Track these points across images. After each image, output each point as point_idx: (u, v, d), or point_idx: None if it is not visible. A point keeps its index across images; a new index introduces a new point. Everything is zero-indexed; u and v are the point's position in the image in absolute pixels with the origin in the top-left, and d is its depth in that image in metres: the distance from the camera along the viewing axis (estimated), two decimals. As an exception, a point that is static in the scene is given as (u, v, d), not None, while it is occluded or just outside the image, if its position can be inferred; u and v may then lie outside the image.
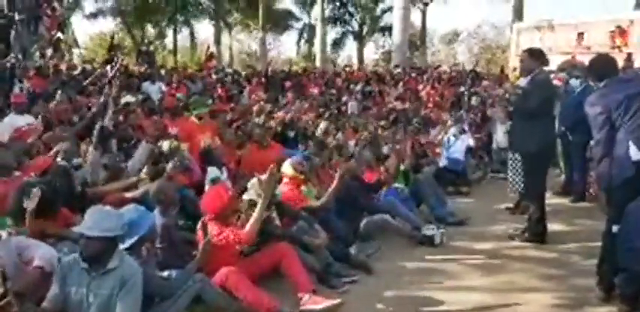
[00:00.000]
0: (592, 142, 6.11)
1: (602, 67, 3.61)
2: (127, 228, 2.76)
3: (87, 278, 2.66)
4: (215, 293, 3.22)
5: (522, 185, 5.37)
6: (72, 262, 2.71)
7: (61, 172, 4.00)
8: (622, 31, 12.74)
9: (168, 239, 3.55)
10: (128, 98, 7.13)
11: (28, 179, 3.77)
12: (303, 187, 4.65)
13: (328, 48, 24.14)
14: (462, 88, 12.74)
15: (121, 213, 2.88)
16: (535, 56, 4.59)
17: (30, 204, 3.21)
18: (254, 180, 4.16)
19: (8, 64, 7.98)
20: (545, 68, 4.77)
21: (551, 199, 5.44)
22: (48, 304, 2.67)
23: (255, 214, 3.59)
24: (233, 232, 3.49)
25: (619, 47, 12.66)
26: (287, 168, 4.62)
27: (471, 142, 7.00)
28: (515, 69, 11.50)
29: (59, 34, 12.32)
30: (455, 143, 6.96)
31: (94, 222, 2.63)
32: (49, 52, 11.50)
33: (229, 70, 13.75)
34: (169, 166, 4.28)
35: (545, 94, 4.55)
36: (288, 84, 11.84)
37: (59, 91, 7.07)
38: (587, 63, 7.21)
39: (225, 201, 3.59)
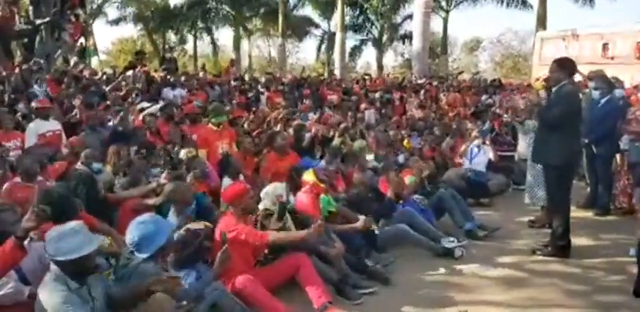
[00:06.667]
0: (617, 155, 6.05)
1: None
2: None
3: None
4: (231, 301, 3.21)
5: (545, 198, 5.29)
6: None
7: (84, 177, 4.01)
8: (648, 42, 12.48)
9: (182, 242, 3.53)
10: (143, 104, 7.19)
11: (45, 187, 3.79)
12: (322, 196, 4.58)
13: (347, 55, 24.09)
14: (484, 97, 12.61)
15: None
16: (564, 67, 4.51)
17: None
18: (267, 188, 4.14)
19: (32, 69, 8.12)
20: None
21: (575, 213, 5.28)
22: None
23: (288, 234, 3.74)
24: (247, 228, 3.55)
25: (644, 58, 12.40)
26: (309, 175, 4.60)
27: (492, 155, 6.88)
28: (537, 79, 11.30)
29: (82, 40, 12.55)
30: (478, 154, 6.85)
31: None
32: (74, 58, 11.68)
33: (247, 78, 13.81)
34: (190, 175, 4.29)
35: (571, 105, 4.45)
36: (306, 91, 11.81)
37: (78, 97, 7.15)
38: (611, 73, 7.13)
39: (241, 191, 3.70)
